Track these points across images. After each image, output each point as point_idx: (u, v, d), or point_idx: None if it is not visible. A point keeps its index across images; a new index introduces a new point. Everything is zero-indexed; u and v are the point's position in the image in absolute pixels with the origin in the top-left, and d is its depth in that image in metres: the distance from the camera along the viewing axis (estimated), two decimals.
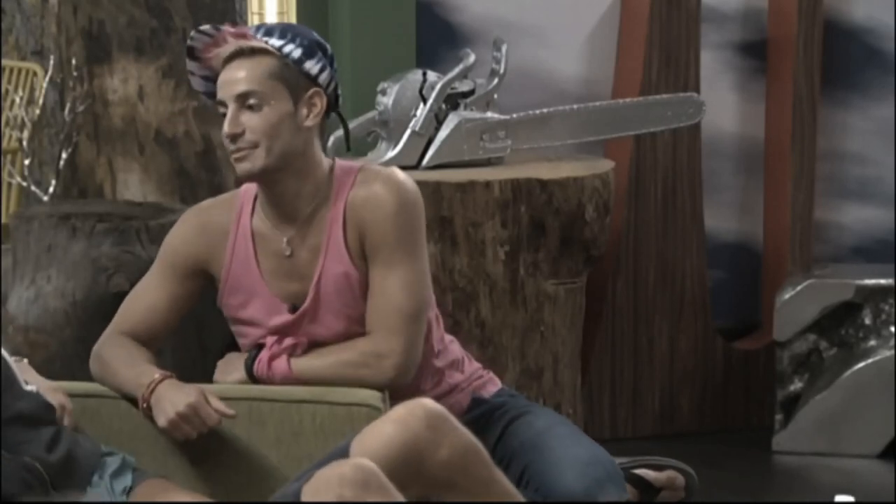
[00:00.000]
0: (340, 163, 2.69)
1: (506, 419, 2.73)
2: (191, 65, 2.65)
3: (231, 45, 2.58)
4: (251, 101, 2.58)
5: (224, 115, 2.60)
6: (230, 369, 2.71)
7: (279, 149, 2.59)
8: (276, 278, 2.66)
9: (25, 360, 2.66)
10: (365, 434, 2.34)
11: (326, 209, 2.63)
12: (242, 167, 2.60)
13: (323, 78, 2.62)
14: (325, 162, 2.66)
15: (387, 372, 2.61)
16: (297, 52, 2.59)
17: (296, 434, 2.62)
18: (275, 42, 2.59)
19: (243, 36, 2.59)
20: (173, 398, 2.56)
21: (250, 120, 2.58)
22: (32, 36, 4.61)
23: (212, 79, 2.65)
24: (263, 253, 2.66)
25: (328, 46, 2.65)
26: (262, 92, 2.57)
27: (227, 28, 2.61)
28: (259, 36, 2.60)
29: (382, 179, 2.63)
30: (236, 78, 2.58)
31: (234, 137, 2.58)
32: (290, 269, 2.65)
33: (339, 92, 2.68)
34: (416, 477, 2.32)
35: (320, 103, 2.63)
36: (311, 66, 2.60)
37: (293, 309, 2.66)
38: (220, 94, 2.60)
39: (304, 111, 2.61)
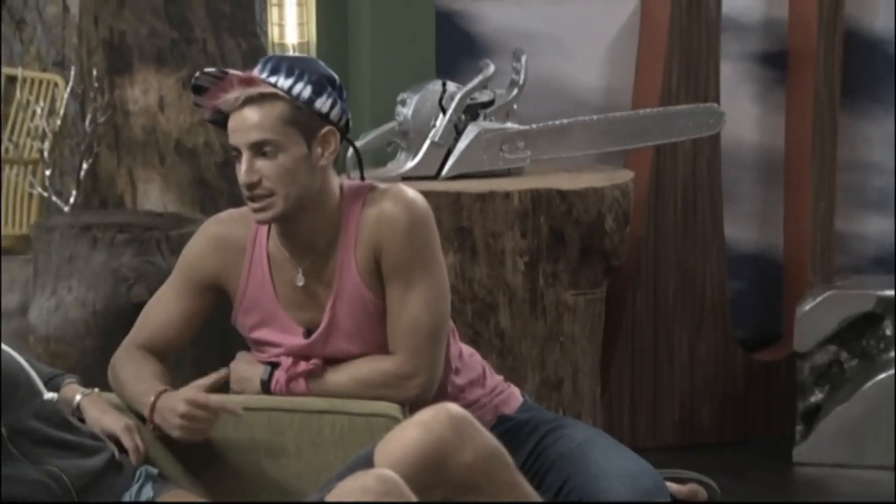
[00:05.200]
0: (349, 183, 2.67)
1: (540, 432, 2.72)
2: (199, 100, 2.62)
3: (238, 91, 2.55)
4: (266, 150, 2.56)
5: (236, 157, 2.58)
6: (246, 385, 2.71)
7: (296, 193, 2.57)
8: (291, 304, 2.66)
9: (97, 390, 2.66)
10: (389, 438, 2.35)
11: (339, 235, 2.63)
12: (261, 217, 2.59)
13: (334, 114, 2.59)
14: (337, 188, 2.65)
15: (410, 392, 2.61)
16: (306, 92, 2.56)
17: (315, 444, 2.63)
18: (283, 84, 2.55)
19: (251, 82, 2.55)
20: (171, 405, 2.57)
21: (266, 168, 2.56)
22: (54, 47, 4.63)
23: (219, 112, 2.62)
24: (279, 279, 2.66)
25: (336, 78, 2.62)
26: (276, 140, 2.55)
27: (234, 73, 2.57)
28: (265, 74, 2.57)
29: (392, 198, 2.61)
30: (248, 126, 2.55)
31: (251, 186, 2.57)
32: (305, 297, 2.65)
33: (349, 117, 2.66)
34: (439, 480, 2.32)
35: (334, 142, 2.60)
36: (322, 104, 2.57)
37: (307, 333, 2.66)
38: (233, 140, 2.58)
39: (319, 150, 2.59)
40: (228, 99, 2.56)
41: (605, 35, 4.37)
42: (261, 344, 2.71)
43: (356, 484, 2.22)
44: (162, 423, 2.59)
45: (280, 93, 2.56)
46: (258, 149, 2.56)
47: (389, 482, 2.23)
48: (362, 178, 2.69)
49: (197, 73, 2.60)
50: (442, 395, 2.67)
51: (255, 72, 2.59)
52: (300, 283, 2.64)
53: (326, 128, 2.59)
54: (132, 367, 2.67)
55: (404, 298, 2.61)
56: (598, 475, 2.60)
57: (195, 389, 2.59)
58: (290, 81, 2.56)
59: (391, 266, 2.61)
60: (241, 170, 2.57)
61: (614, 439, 2.75)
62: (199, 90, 2.61)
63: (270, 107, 2.55)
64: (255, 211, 2.59)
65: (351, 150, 2.75)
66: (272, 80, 2.57)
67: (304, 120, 2.57)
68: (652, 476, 2.64)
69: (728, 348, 4.33)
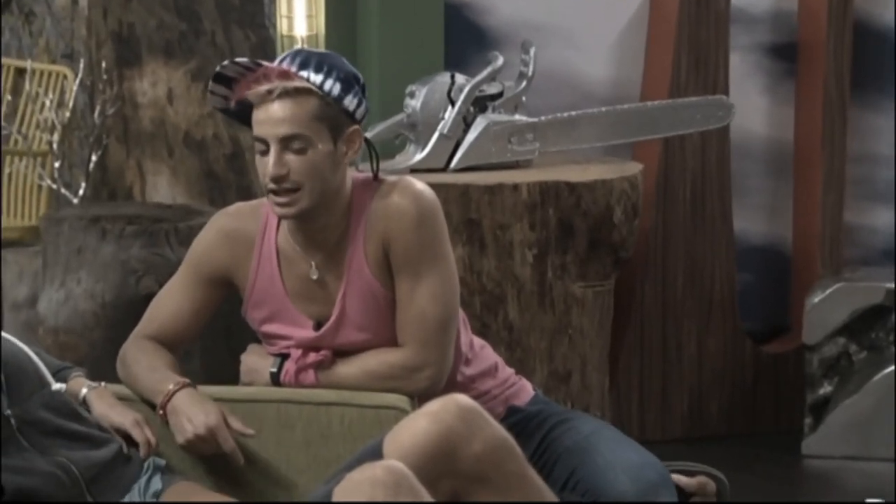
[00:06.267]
0: (357, 176, 2.67)
1: (548, 425, 2.73)
2: (217, 88, 2.60)
3: (273, 83, 2.55)
4: (295, 144, 2.56)
5: (262, 151, 2.58)
6: (255, 377, 2.72)
7: (320, 189, 2.58)
8: (300, 298, 2.66)
9: (103, 384, 2.66)
10: (398, 429, 2.35)
11: (349, 227, 2.63)
12: (284, 211, 2.58)
13: (359, 113, 2.61)
14: (350, 183, 2.65)
15: (419, 384, 2.62)
16: (336, 89, 2.57)
17: (324, 436, 2.63)
18: (315, 79, 2.56)
19: (287, 76, 2.55)
20: (193, 416, 2.57)
21: (294, 162, 2.56)
22: (63, 39, 4.63)
23: (238, 103, 2.61)
24: (288, 273, 2.66)
25: (360, 76, 2.63)
26: (307, 135, 2.55)
27: (269, 66, 2.57)
28: (295, 68, 2.57)
29: (400, 191, 2.62)
30: (278, 119, 2.55)
31: (279, 179, 2.57)
32: (315, 291, 2.65)
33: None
34: (448, 471, 2.32)
35: (358, 141, 2.62)
36: (350, 103, 2.59)
37: (317, 326, 2.66)
38: (260, 132, 2.57)
39: (344, 149, 2.60)
40: (261, 91, 2.55)
41: (614, 27, 4.37)
42: (271, 337, 2.71)
43: (364, 475, 2.22)
44: (173, 420, 2.59)
45: (313, 88, 2.56)
46: (287, 143, 2.56)
47: (398, 473, 2.23)
48: (376, 176, 2.68)
49: (225, 62, 2.59)
50: (452, 384, 2.68)
51: (284, 65, 2.59)
52: (314, 277, 2.65)
53: (353, 127, 2.60)
54: (144, 358, 2.67)
55: (413, 291, 2.61)
56: (603, 467, 2.61)
57: (220, 415, 2.58)
58: (320, 77, 2.57)
59: (400, 258, 2.61)
60: (269, 162, 2.56)
61: (621, 432, 2.76)
62: (223, 79, 2.60)
63: (303, 101, 2.55)
64: (280, 206, 2.58)
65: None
66: (302, 74, 2.57)
67: (332, 117, 2.57)
68: (656, 468, 2.65)
69: (737, 341, 4.32)
